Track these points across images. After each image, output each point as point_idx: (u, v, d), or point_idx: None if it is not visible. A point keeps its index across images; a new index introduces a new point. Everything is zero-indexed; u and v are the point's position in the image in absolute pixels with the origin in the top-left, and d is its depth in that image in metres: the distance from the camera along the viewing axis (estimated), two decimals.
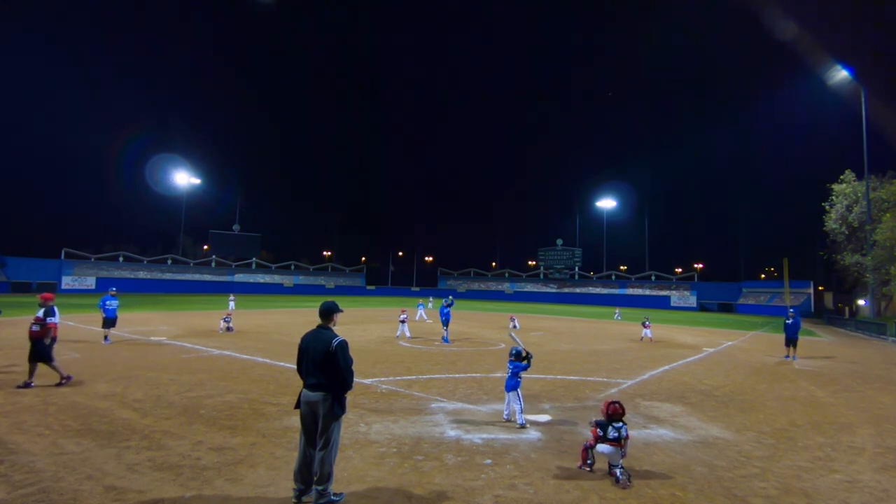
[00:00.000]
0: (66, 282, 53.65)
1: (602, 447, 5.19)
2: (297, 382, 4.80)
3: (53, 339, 8.69)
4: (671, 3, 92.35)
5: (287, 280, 73.70)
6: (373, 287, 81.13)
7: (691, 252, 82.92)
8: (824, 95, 45.25)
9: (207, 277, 67.15)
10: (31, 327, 8.60)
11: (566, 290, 74.96)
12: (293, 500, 4.35)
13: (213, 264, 70.76)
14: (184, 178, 68.66)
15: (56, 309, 8.95)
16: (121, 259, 62.00)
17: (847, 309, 53.13)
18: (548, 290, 76.51)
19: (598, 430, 5.28)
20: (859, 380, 12.50)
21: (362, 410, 7.51)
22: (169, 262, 66.46)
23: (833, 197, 40.54)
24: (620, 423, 5.21)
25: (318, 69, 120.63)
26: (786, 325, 16.02)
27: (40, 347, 8.45)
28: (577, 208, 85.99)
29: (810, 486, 5.18)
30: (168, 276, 63.72)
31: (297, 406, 4.52)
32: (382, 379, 10.09)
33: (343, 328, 4.83)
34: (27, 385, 8.26)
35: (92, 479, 4.64)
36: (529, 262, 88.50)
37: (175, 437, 5.95)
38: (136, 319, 21.38)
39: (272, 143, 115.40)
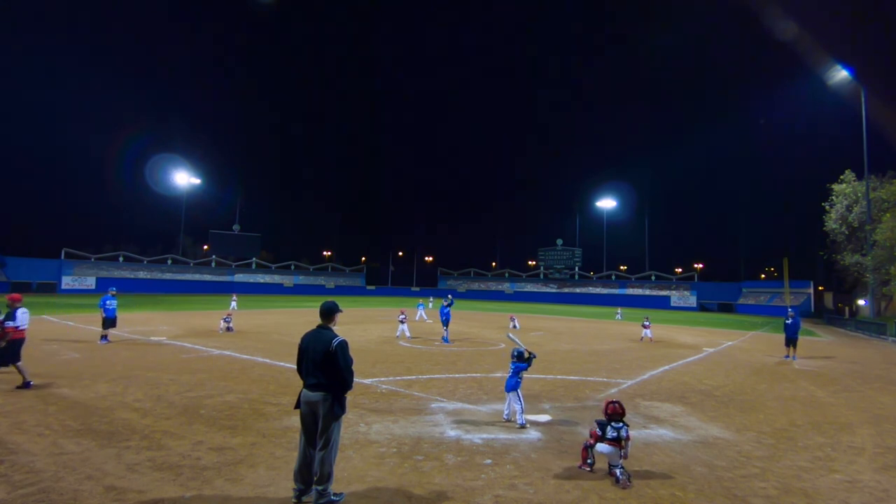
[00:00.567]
0: (66, 282, 53.65)
1: (601, 447, 5.19)
2: (297, 382, 4.80)
3: (15, 343, 8.36)
4: (671, 3, 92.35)
5: (287, 280, 73.69)
6: (373, 287, 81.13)
7: (691, 252, 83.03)
8: (824, 95, 45.28)
9: (207, 277, 67.14)
10: None
11: (566, 290, 74.95)
12: (293, 500, 4.35)
13: (213, 264, 70.75)
14: (184, 178, 68.65)
15: (20, 312, 8.59)
16: (121, 259, 61.99)
17: (847, 309, 53.13)
18: (548, 290, 76.51)
19: (598, 429, 5.28)
20: (859, 380, 12.50)
21: (362, 410, 7.51)
22: (169, 262, 66.45)
23: (833, 197, 40.54)
24: (620, 424, 5.21)
25: (319, 69, 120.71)
26: (786, 325, 16.02)
27: (3, 350, 8.21)
28: (577, 208, 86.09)
29: (810, 486, 5.18)
30: (168, 276, 63.71)
31: (297, 406, 4.51)
32: (382, 379, 10.09)
33: (343, 328, 4.83)
34: (26, 385, 8.24)
35: (92, 479, 4.64)
36: (529, 262, 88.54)
37: (175, 437, 5.95)
38: (136, 319, 21.38)
39: (272, 143, 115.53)
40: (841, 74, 34.96)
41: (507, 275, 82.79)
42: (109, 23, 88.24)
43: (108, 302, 14.05)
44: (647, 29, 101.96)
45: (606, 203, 79.14)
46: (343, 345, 4.45)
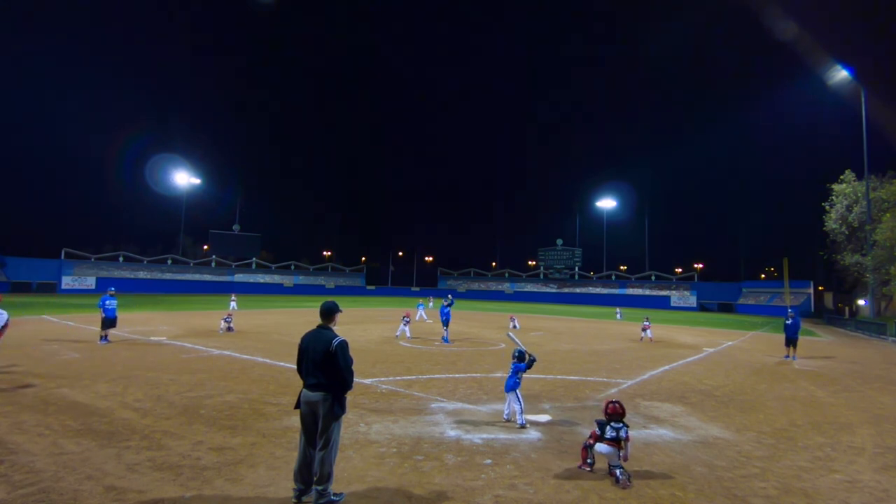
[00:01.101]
0: (66, 282, 53.65)
1: (600, 447, 5.20)
2: (297, 382, 4.80)
3: None
4: (671, 3, 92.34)
5: (287, 280, 73.69)
6: (373, 287, 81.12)
7: (691, 252, 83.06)
8: (824, 95, 45.29)
9: (207, 277, 67.13)
10: None
11: (566, 290, 74.94)
12: (293, 500, 4.35)
13: (213, 264, 70.75)
14: (184, 178, 68.65)
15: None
16: (121, 259, 61.99)
17: (847, 309, 53.13)
18: (548, 290, 76.50)
19: (597, 429, 5.29)
20: (859, 380, 12.50)
21: (362, 410, 7.51)
22: (169, 262, 66.44)
23: (833, 197, 40.54)
24: (620, 424, 5.20)
25: (318, 69, 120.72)
26: (786, 325, 16.02)
27: None
28: (577, 208, 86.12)
29: (810, 486, 5.18)
30: (168, 276, 63.70)
31: (297, 406, 4.52)
32: (382, 379, 10.09)
33: (343, 328, 4.83)
34: None
35: (92, 479, 4.64)
36: (529, 262, 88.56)
37: (175, 437, 5.95)
38: (136, 319, 21.38)
39: (272, 143, 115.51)
40: (841, 74, 34.96)
41: (507, 275, 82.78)
42: (109, 23, 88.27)
43: (107, 302, 14.04)
44: (647, 29, 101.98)
45: (606, 203, 79.16)
46: (343, 345, 4.45)
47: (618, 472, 5.05)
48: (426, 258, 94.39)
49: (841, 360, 16.81)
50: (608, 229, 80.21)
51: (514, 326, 23.78)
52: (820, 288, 62.06)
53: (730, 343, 20.82)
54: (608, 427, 5.21)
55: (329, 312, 4.68)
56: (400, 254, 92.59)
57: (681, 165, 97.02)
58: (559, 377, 11.04)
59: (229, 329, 17.91)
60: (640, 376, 11.57)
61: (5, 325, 9.23)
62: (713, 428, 7.32)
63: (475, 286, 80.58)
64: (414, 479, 4.96)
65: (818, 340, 24.55)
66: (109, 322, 14.08)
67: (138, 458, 5.22)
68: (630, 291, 70.01)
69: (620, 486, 4.90)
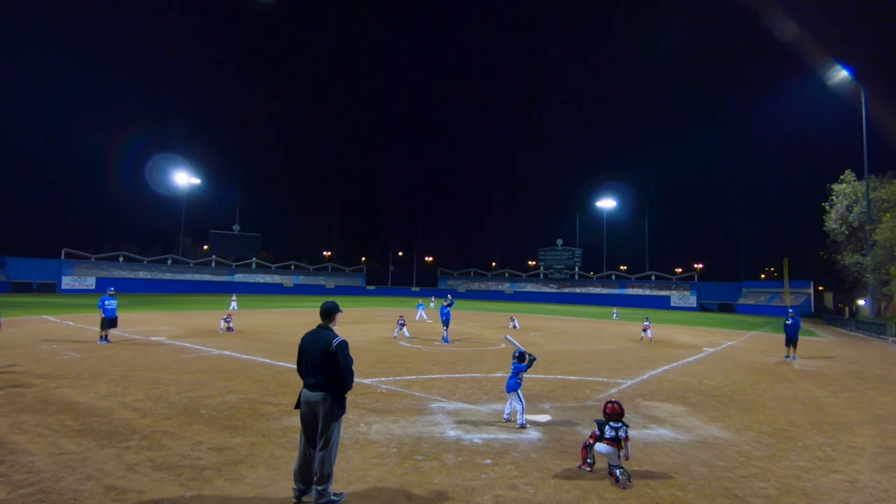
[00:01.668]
0: (66, 282, 53.61)
1: (599, 446, 5.20)
2: (297, 382, 4.80)
3: None
4: (671, 2, 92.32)
5: (287, 280, 73.65)
6: (373, 287, 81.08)
7: (691, 252, 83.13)
8: (824, 95, 45.28)
9: (207, 277, 67.10)
10: None
11: (566, 290, 74.91)
12: (293, 500, 4.35)
13: (213, 264, 70.69)
14: (184, 178, 68.62)
15: None
16: (121, 259, 61.95)
17: (847, 309, 53.09)
18: (548, 290, 76.47)
19: (597, 428, 5.29)
20: (859, 380, 12.50)
21: (362, 410, 7.51)
22: (169, 262, 66.40)
23: (833, 197, 40.54)
24: (619, 424, 5.20)
25: (318, 69, 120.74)
26: (786, 325, 16.01)
27: None
28: (577, 208, 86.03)
29: (810, 486, 5.18)
30: (168, 276, 63.67)
31: (297, 406, 4.52)
32: (382, 379, 10.09)
33: (343, 328, 4.83)
34: None
35: (92, 479, 4.64)
36: (529, 262, 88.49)
37: (175, 437, 5.95)
38: (136, 319, 21.37)
39: (272, 143, 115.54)
40: (841, 74, 34.96)
41: (507, 275, 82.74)
42: (109, 23, 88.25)
43: (107, 302, 14.03)
44: (647, 29, 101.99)
45: (606, 203, 79.13)
46: (343, 345, 4.45)
47: (618, 472, 5.05)
48: (426, 258, 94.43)
49: (841, 360, 16.81)
50: (608, 229, 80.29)
51: (514, 327, 23.78)
52: (820, 288, 62.03)
53: (730, 343, 20.82)
54: (607, 427, 5.21)
55: (329, 312, 4.68)
56: (400, 254, 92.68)
57: (681, 165, 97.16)
58: (559, 377, 11.04)
59: (229, 329, 17.91)
60: (640, 376, 11.57)
61: None
62: (713, 428, 7.32)
63: (475, 286, 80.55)
64: (414, 479, 4.96)
65: (818, 340, 24.55)
66: (109, 322, 14.07)
67: (138, 458, 5.22)
68: (630, 291, 69.98)
69: (620, 486, 4.90)
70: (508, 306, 49.98)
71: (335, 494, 4.37)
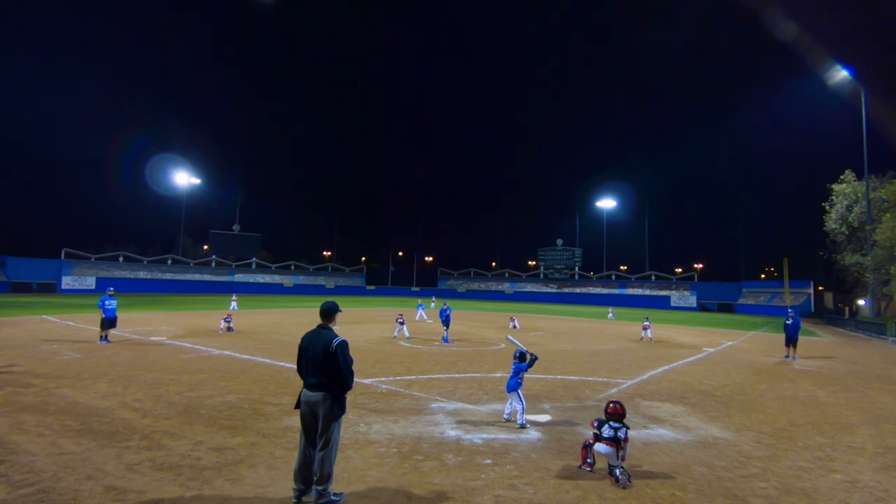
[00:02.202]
0: (66, 282, 53.60)
1: (599, 446, 5.20)
2: (297, 382, 4.80)
3: None
4: (671, 3, 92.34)
5: (287, 280, 73.66)
6: (373, 287, 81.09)
7: (691, 252, 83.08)
8: (824, 95, 45.25)
9: (207, 277, 67.10)
10: None
11: (566, 290, 74.92)
12: (293, 500, 4.35)
13: (213, 264, 70.70)
14: (184, 178, 68.63)
15: None
16: (121, 259, 61.95)
17: (847, 309, 53.11)
18: (548, 290, 76.48)
19: (596, 427, 5.29)
20: (859, 380, 12.50)
21: (362, 410, 7.51)
22: (169, 262, 66.41)
23: (833, 197, 40.54)
24: (619, 424, 5.20)
25: (318, 69, 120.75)
26: (786, 325, 16.01)
27: None
28: (577, 208, 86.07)
29: (810, 486, 5.18)
30: (168, 276, 63.68)
31: (297, 406, 4.52)
32: (382, 379, 10.09)
33: (343, 328, 4.83)
34: None
35: (92, 479, 4.64)
36: (529, 262, 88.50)
37: (175, 437, 5.95)
38: (136, 319, 21.37)
39: (272, 143, 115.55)
40: (841, 74, 34.95)
41: (507, 275, 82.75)
42: (109, 23, 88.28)
43: (106, 302, 14.03)
44: (647, 29, 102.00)
45: (606, 203, 79.14)
46: (343, 345, 4.45)
47: (618, 472, 5.05)
48: (426, 258, 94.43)
49: (841, 360, 16.81)
50: (608, 229, 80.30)
51: (515, 327, 23.80)
52: (820, 288, 62.03)
53: (730, 343, 20.82)
54: (606, 426, 5.21)
55: (329, 312, 4.68)
56: (400, 254, 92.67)
57: (681, 165, 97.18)
58: (559, 377, 11.04)
59: (229, 329, 17.91)
60: (640, 376, 11.57)
61: None
62: (713, 428, 7.32)
63: (475, 286, 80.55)
64: (414, 479, 4.96)
65: (818, 340, 24.55)
66: (109, 322, 14.06)
67: (138, 458, 5.22)
68: (630, 291, 69.98)
69: (620, 486, 4.90)
70: (508, 306, 49.98)
71: (335, 494, 4.37)
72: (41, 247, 58.30)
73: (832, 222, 40.43)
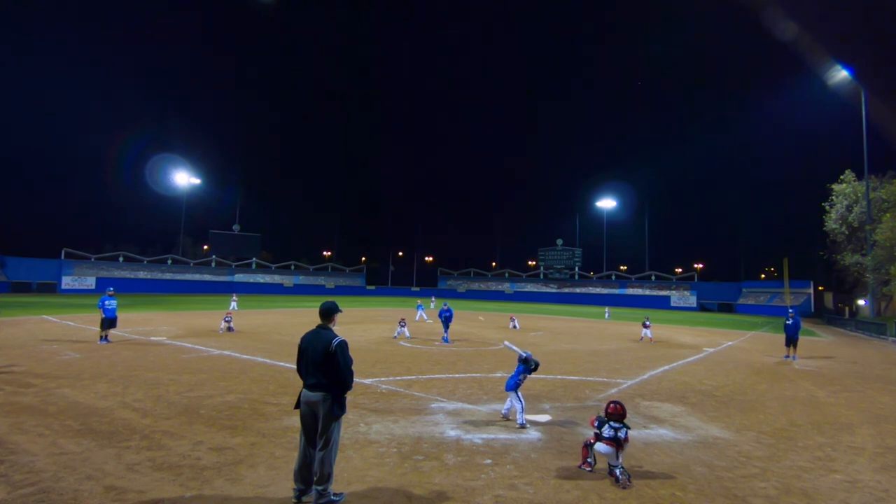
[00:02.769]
0: (66, 282, 53.61)
1: (599, 446, 5.21)
2: (297, 382, 4.80)
3: None
4: (671, 2, 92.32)
5: (287, 280, 73.67)
6: (373, 287, 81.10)
7: (691, 252, 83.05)
8: (824, 95, 45.24)
9: (207, 277, 67.11)
10: None
11: (566, 290, 74.92)
12: (293, 500, 4.35)
13: (213, 264, 70.71)
14: (184, 178, 68.64)
15: None
16: (121, 259, 61.96)
17: (847, 309, 53.11)
18: (548, 290, 76.48)
19: (596, 426, 5.29)
20: (859, 380, 12.50)
21: (362, 410, 7.51)
22: (169, 262, 66.42)
23: (833, 197, 40.55)
24: (619, 424, 5.20)
25: (318, 68, 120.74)
26: (786, 325, 16.02)
27: None
28: (577, 208, 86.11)
29: (810, 486, 5.18)
30: (168, 276, 63.68)
31: (297, 406, 4.52)
32: (382, 379, 10.09)
33: (343, 328, 4.83)
34: None
35: (92, 479, 4.64)
36: (529, 262, 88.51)
37: (175, 437, 5.95)
38: (136, 319, 21.37)
39: (272, 143, 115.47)
40: (841, 74, 34.96)
41: (507, 275, 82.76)
42: (109, 23, 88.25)
43: (106, 302, 14.02)
44: (647, 28, 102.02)
45: (606, 203, 79.14)
46: (342, 345, 4.45)
47: (618, 471, 5.05)
48: (426, 258, 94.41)
49: (841, 360, 16.81)
50: (608, 229, 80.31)
51: (514, 327, 23.79)
52: (820, 288, 62.04)
53: (730, 343, 20.82)
54: (606, 426, 5.22)
55: (328, 312, 4.68)
56: (400, 254, 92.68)
57: (681, 165, 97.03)
58: (559, 377, 11.04)
59: (230, 329, 17.91)
60: (640, 376, 11.57)
61: None
62: (713, 428, 7.32)
63: (475, 286, 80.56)
64: (414, 479, 4.96)
65: (818, 340, 24.55)
66: (109, 322, 14.06)
67: (138, 458, 5.22)
68: (630, 291, 69.99)
69: (620, 486, 4.90)
70: (508, 306, 49.97)
71: (335, 494, 4.37)
72: (41, 247, 58.32)
73: (832, 222, 40.43)
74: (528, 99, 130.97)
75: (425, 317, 26.54)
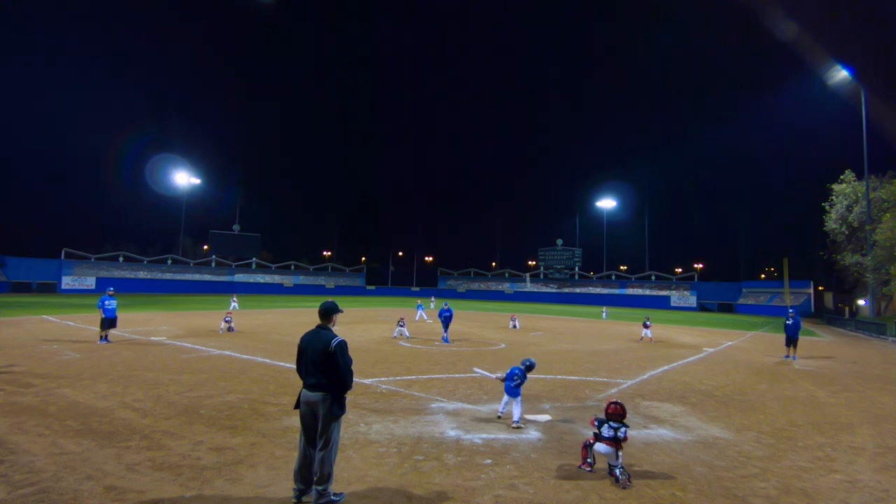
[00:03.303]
0: (66, 282, 53.61)
1: (598, 446, 5.21)
2: (297, 382, 4.80)
3: None
4: (672, 3, 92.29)
5: (287, 280, 73.67)
6: (373, 287, 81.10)
7: (691, 252, 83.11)
8: (824, 95, 45.25)
9: (207, 277, 67.11)
10: None
11: (566, 290, 74.92)
12: (293, 500, 4.35)
13: (213, 264, 70.72)
14: (184, 178, 68.64)
15: None
16: (121, 259, 61.97)
17: (847, 309, 53.10)
18: (548, 290, 76.48)
19: (596, 426, 5.29)
20: (859, 380, 12.50)
21: (362, 410, 7.51)
22: (169, 262, 66.43)
23: (833, 197, 40.55)
24: (618, 424, 5.20)
25: (319, 68, 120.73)
26: (786, 325, 16.02)
27: None
28: (577, 208, 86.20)
29: (810, 486, 5.18)
30: (168, 276, 63.69)
31: (297, 406, 4.51)
32: (382, 379, 10.09)
33: (343, 328, 4.83)
34: None
35: (92, 479, 4.64)
36: (529, 262, 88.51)
37: (175, 437, 5.95)
38: (136, 319, 21.37)
39: (272, 143, 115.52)
40: (841, 74, 34.94)
41: (507, 275, 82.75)
42: (110, 23, 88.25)
43: (106, 302, 14.02)
44: (647, 29, 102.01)
45: (606, 203, 79.15)
46: (342, 345, 4.44)
47: (618, 471, 5.05)
48: (426, 258, 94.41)
49: (841, 360, 16.81)
50: (608, 229, 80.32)
51: (514, 327, 23.83)
52: (820, 288, 62.04)
53: (730, 343, 20.82)
54: (606, 426, 5.22)
55: (328, 313, 4.67)
56: (400, 254, 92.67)
57: (681, 165, 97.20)
58: (559, 377, 11.04)
59: (230, 329, 17.90)
60: (640, 376, 11.57)
61: None
62: (713, 428, 7.32)
63: (475, 286, 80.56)
64: (414, 479, 4.96)
65: (818, 340, 24.55)
66: (109, 322, 14.05)
67: (138, 458, 5.22)
68: (630, 291, 69.99)
69: (620, 486, 4.90)
70: (508, 306, 49.97)
71: (335, 494, 4.37)
72: (41, 247, 58.40)
73: (832, 222, 40.43)
74: (529, 99, 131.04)
75: (425, 317, 26.54)
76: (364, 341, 16.55)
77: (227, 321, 18.22)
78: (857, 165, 37.91)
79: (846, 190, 39.64)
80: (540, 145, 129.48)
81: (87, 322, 19.27)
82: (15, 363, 10.40)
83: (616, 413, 5.29)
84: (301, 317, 26.65)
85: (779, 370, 13.60)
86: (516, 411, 6.98)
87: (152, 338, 15.58)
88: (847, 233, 39.82)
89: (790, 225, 77.35)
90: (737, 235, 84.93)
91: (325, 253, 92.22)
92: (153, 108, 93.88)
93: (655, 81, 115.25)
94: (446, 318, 17.51)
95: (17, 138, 71.85)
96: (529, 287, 77.93)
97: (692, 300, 63.09)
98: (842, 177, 40.11)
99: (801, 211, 64.03)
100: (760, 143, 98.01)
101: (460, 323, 24.49)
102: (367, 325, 23.18)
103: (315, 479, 4.28)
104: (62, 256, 56.85)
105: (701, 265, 77.89)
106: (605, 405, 5.48)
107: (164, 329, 18.23)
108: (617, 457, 5.11)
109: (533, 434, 6.63)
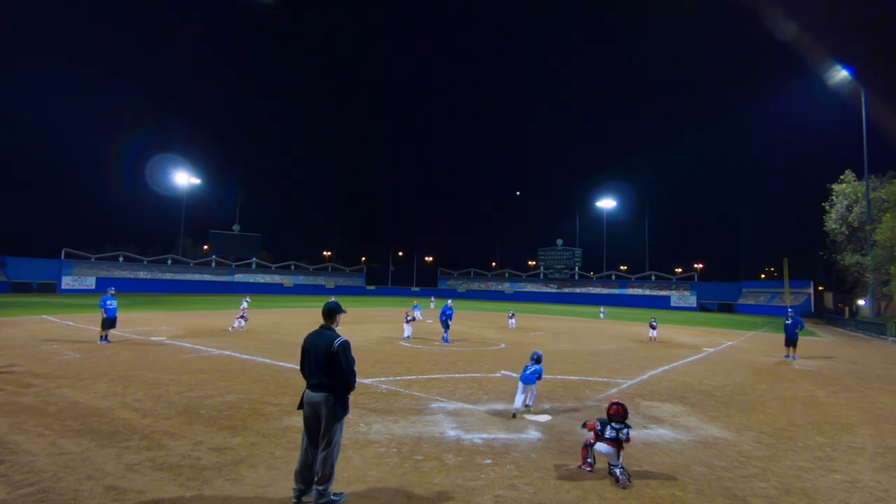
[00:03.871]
0: (66, 282, 53.60)
1: (600, 446, 5.21)
2: (298, 382, 4.81)
3: None
4: (672, 3, 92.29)
5: (287, 280, 73.66)
6: (373, 287, 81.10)
7: (691, 252, 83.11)
8: (824, 95, 45.25)
9: (207, 277, 67.11)
10: None
11: (566, 290, 74.92)
12: (293, 500, 4.35)
13: (213, 264, 70.71)
14: (184, 178, 68.63)
15: None
16: (121, 259, 61.96)
17: (847, 309, 53.10)
18: (548, 290, 76.48)
19: (598, 427, 5.29)
20: (859, 380, 12.50)
21: (362, 410, 7.51)
22: (169, 262, 66.41)
23: (833, 197, 40.55)
24: (620, 425, 5.20)
25: (319, 69, 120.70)
26: (786, 325, 16.02)
27: None
28: (577, 208, 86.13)
29: (810, 486, 5.18)
30: (168, 276, 63.68)
31: (301, 406, 4.51)
32: (382, 379, 10.09)
33: (343, 328, 4.81)
34: None
35: (92, 479, 4.64)
36: (529, 262, 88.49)
37: (175, 437, 5.95)
38: (136, 319, 21.37)
39: (272, 143, 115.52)
40: (841, 74, 34.93)
41: (507, 275, 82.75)
42: (109, 22, 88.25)
43: (108, 302, 14.03)
44: (647, 29, 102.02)
45: (606, 203, 79.14)
46: (345, 345, 4.44)
47: (618, 472, 5.05)
48: (426, 258, 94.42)
49: (841, 360, 16.81)
50: (608, 229, 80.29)
51: (512, 324, 23.98)
52: (820, 288, 62.04)
53: (730, 343, 20.82)
54: (608, 427, 5.21)
55: (331, 313, 4.67)
56: (400, 254, 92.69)
57: (681, 165, 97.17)
58: (559, 377, 11.04)
59: (241, 327, 18.39)
60: (640, 376, 11.57)
61: None
62: (713, 428, 7.32)
63: (475, 286, 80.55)
64: (414, 479, 4.96)
65: (818, 340, 24.55)
66: (110, 322, 14.06)
67: (138, 458, 5.22)
68: (630, 291, 69.98)
69: (620, 486, 4.90)
70: (508, 306, 49.96)
71: (335, 494, 4.37)
72: (41, 247, 58.33)
73: (832, 222, 40.43)
74: (529, 99, 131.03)
75: (420, 316, 26.52)
76: (364, 341, 16.55)
77: (244, 318, 18.76)
78: (857, 165, 37.97)
79: (846, 190, 39.64)
80: (540, 145, 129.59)
81: (87, 322, 19.27)
82: (15, 363, 10.40)
83: (618, 414, 5.29)
84: (301, 317, 26.65)
85: (779, 370, 13.60)
86: (531, 397, 7.71)
87: (152, 338, 15.58)
88: (847, 233, 39.82)
89: (790, 225, 77.43)
90: (737, 235, 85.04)
91: (325, 253, 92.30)
92: (153, 108, 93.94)
93: (655, 81, 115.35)
94: (447, 318, 17.47)
95: (17, 138, 71.92)
96: (528, 287, 77.94)
97: (692, 300, 63.08)
98: (842, 177, 40.12)
99: (801, 211, 64.12)
100: (760, 143, 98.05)
101: (460, 323, 24.49)
102: (367, 325, 23.18)
103: (316, 478, 4.29)
104: (62, 256, 56.83)
105: (701, 265, 77.99)
106: (606, 406, 5.48)
107: (164, 329, 18.23)
108: (618, 457, 5.11)
109: (533, 434, 6.63)
